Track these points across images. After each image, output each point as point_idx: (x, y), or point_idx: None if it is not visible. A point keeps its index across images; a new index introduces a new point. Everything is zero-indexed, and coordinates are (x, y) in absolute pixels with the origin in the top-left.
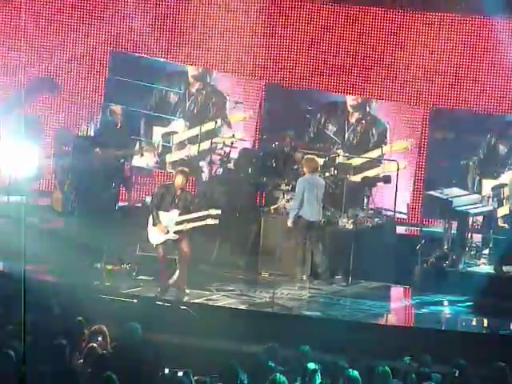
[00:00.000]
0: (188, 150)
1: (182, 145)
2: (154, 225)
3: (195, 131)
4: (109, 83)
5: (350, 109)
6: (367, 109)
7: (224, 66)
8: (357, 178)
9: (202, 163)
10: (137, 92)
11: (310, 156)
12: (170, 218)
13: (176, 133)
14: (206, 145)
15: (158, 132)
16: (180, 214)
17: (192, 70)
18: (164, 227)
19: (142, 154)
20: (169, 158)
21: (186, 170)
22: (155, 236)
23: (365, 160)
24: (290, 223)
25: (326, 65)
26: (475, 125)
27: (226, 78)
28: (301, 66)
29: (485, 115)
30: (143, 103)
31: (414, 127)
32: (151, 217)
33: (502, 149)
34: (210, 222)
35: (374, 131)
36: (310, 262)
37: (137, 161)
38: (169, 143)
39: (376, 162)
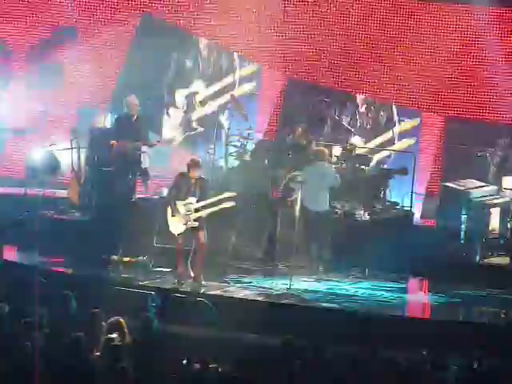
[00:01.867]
0: (209, 106)
1: (203, 103)
2: (173, 216)
3: (213, 88)
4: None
5: (358, 101)
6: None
7: (247, 52)
8: (374, 170)
9: (221, 117)
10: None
11: (319, 147)
12: (188, 206)
13: (197, 93)
14: (223, 99)
15: (180, 94)
16: (197, 202)
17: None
18: (183, 216)
19: (168, 115)
20: (194, 115)
21: (198, 160)
22: (176, 226)
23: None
24: (296, 212)
25: (342, 63)
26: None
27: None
28: (319, 62)
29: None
30: (163, 70)
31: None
32: (169, 208)
33: None
34: (226, 205)
35: (382, 112)
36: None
37: (165, 123)
38: (192, 102)
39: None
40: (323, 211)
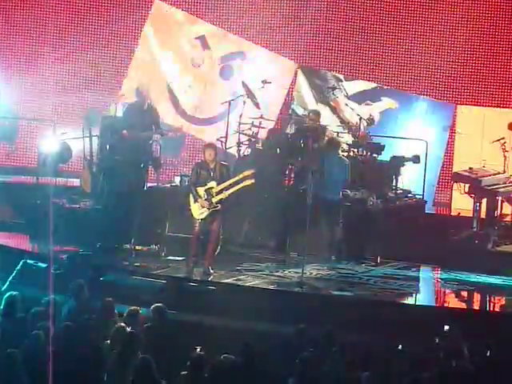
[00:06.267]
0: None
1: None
2: (195, 201)
3: None
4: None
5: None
6: None
7: (259, 40)
8: (386, 158)
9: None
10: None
11: (331, 135)
12: (209, 191)
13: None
14: None
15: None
16: (218, 185)
17: None
18: (205, 201)
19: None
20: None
21: (213, 142)
22: (198, 212)
23: None
24: (308, 200)
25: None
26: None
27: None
28: (331, 50)
29: None
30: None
31: None
32: (191, 195)
33: None
34: (247, 183)
35: None
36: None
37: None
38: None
39: None
40: (335, 199)
